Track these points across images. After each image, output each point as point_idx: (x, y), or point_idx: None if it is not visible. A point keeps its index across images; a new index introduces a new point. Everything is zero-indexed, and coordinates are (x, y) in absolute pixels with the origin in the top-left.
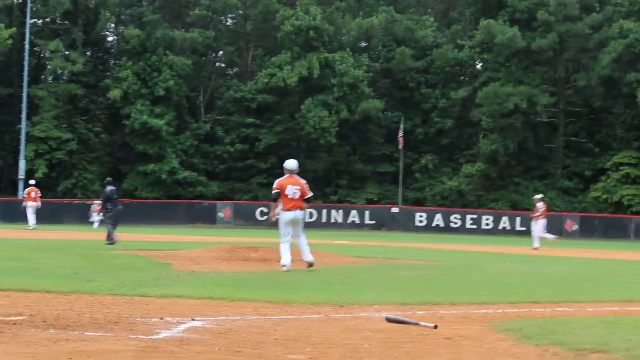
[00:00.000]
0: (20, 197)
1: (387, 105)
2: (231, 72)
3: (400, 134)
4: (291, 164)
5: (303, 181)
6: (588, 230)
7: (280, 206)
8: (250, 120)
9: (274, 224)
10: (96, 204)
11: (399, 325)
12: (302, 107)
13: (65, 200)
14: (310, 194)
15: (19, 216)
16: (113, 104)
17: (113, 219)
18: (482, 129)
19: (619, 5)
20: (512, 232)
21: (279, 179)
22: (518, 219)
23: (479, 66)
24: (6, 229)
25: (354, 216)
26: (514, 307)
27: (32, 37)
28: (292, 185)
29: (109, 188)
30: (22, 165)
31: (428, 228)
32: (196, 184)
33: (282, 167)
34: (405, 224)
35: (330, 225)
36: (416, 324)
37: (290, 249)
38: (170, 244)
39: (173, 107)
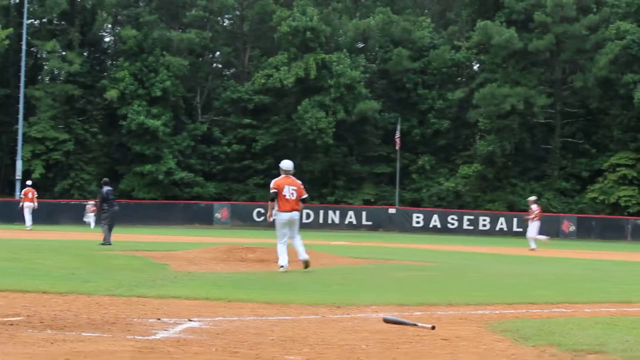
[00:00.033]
0: (17, 198)
1: (384, 106)
2: (228, 72)
3: (397, 134)
4: (287, 164)
5: (299, 182)
6: (585, 232)
7: (275, 207)
8: (247, 121)
9: (271, 225)
10: (90, 204)
11: (396, 326)
12: (299, 108)
13: (62, 201)
14: (306, 195)
15: (16, 217)
16: (110, 105)
17: (109, 220)
18: (479, 130)
19: (615, 7)
20: (509, 233)
21: (276, 179)
22: (515, 220)
23: (475, 67)
24: (3, 229)
25: (351, 217)
26: (511, 308)
27: (29, 38)
28: (289, 186)
29: (106, 188)
30: (19, 165)
31: (425, 229)
32: (193, 185)
33: (278, 168)
34: (402, 225)
35: (327, 226)
36: (414, 325)
37: (287, 250)
38: (167, 244)
39: (170, 108)
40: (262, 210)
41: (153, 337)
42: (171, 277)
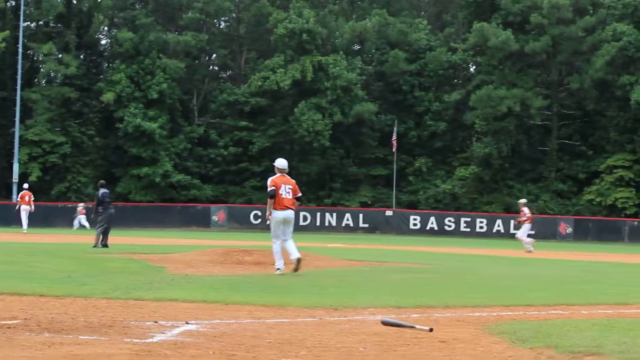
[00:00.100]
0: (14, 201)
1: (380, 108)
2: (224, 75)
3: (394, 137)
4: (283, 163)
5: (293, 181)
6: (582, 233)
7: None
8: (243, 123)
9: (268, 227)
10: (81, 206)
11: (394, 328)
12: (296, 110)
13: (59, 204)
14: (300, 194)
15: (12, 220)
16: (106, 107)
17: (104, 223)
18: (476, 132)
19: (612, 8)
20: (506, 235)
21: (272, 178)
22: (512, 222)
23: (472, 69)
24: (0, 232)
25: (347, 219)
26: (508, 310)
27: (26, 41)
28: (285, 185)
29: (102, 191)
30: (16, 168)
31: (422, 231)
32: (190, 187)
33: (273, 167)
34: (399, 227)
35: (324, 228)
36: (412, 327)
37: (282, 252)
38: (164, 247)
39: (166, 111)
40: (259, 213)
41: (150, 340)
42: (168, 280)
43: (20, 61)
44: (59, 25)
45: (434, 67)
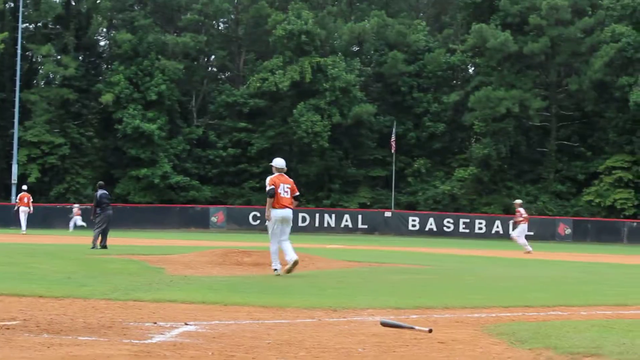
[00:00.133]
0: (13, 202)
1: (379, 109)
2: (223, 76)
3: (393, 138)
4: (281, 162)
5: (291, 180)
6: (581, 234)
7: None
8: (242, 124)
9: (267, 228)
10: (76, 207)
11: (393, 329)
12: (295, 111)
13: (58, 205)
14: (298, 192)
15: (11, 221)
16: (105, 109)
17: (102, 224)
18: (475, 133)
19: (610, 10)
20: (505, 236)
21: (271, 177)
22: (511, 223)
23: (471, 70)
24: None
25: (346, 220)
26: (507, 311)
27: (24, 42)
28: (284, 184)
29: (100, 192)
30: (14, 169)
31: (421, 232)
32: (189, 189)
33: (271, 167)
34: (398, 228)
35: (323, 229)
36: (411, 328)
37: (279, 253)
38: (163, 248)
39: (165, 112)
40: (258, 214)
41: (149, 341)
42: (167, 281)
43: (19, 62)
44: (57, 26)
45: (433, 68)
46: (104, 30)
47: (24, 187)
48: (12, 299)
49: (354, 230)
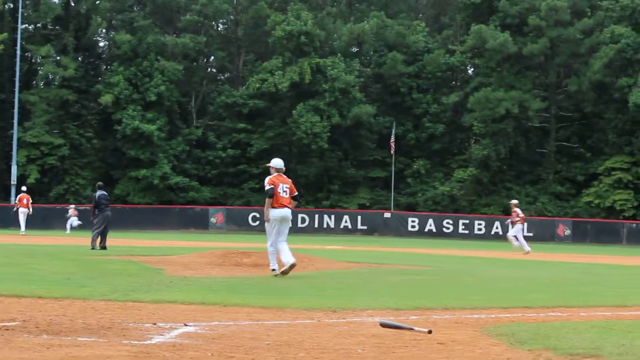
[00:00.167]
0: (12, 203)
1: (378, 110)
2: (222, 77)
3: (392, 139)
4: (280, 162)
5: (289, 180)
6: (580, 235)
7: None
8: (241, 125)
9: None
10: (72, 208)
11: (392, 330)
12: (294, 112)
13: (58, 206)
14: (296, 192)
15: (10, 222)
16: (104, 110)
17: (100, 225)
18: (474, 134)
19: (610, 11)
20: (504, 237)
21: (270, 177)
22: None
23: (470, 71)
24: None
25: (346, 221)
26: (506, 312)
27: (24, 43)
28: (283, 184)
29: (98, 193)
30: (14, 170)
31: (420, 233)
32: (188, 190)
33: (269, 168)
34: (397, 229)
35: (322, 230)
36: (410, 329)
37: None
38: (162, 249)
39: (164, 113)
40: (258, 215)
41: (149, 341)
42: (167, 282)
43: (18, 63)
44: (57, 27)
45: (432, 69)
46: (104, 31)
47: (24, 188)
48: (11, 299)
49: (354, 231)
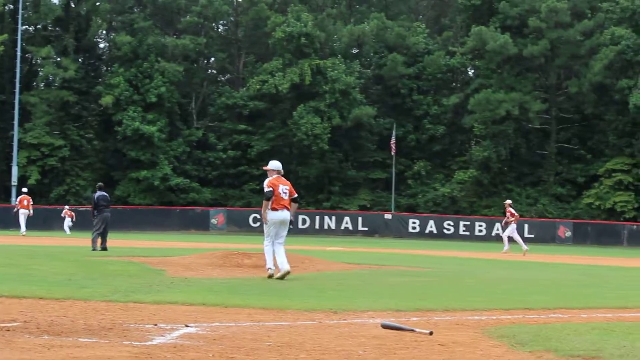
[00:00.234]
0: (13, 204)
1: (379, 111)
2: (223, 78)
3: (393, 140)
4: (278, 164)
5: (288, 182)
6: (581, 237)
7: (268, 207)
8: (242, 126)
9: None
10: (66, 208)
11: (393, 331)
12: (294, 113)
13: (58, 207)
14: (296, 194)
15: (11, 222)
16: (105, 111)
17: (99, 226)
18: (474, 135)
19: (610, 12)
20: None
21: (269, 179)
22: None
23: (470, 73)
24: None
25: (346, 222)
26: (507, 314)
27: (24, 44)
28: (282, 185)
29: (98, 194)
30: (14, 171)
31: (421, 234)
32: (189, 191)
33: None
34: (398, 231)
35: (322, 231)
36: (411, 330)
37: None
38: (163, 250)
39: (165, 114)
40: (258, 216)
41: (150, 342)
42: (167, 283)
43: (18, 65)
44: (57, 28)
45: (433, 70)
46: (104, 32)
47: (24, 189)
48: (12, 300)
49: (354, 232)
